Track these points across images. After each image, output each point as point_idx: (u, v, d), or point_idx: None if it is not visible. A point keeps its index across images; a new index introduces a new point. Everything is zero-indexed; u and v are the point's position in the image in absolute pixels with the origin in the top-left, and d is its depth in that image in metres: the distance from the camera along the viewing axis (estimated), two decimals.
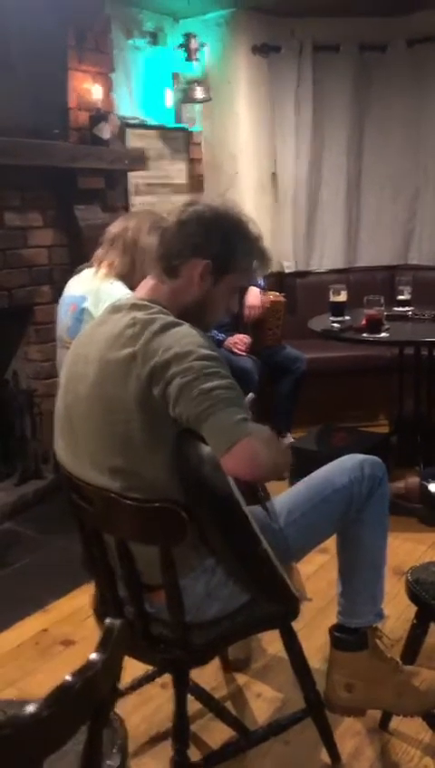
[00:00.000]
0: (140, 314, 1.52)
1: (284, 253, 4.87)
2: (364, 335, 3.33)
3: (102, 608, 1.76)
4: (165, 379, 1.42)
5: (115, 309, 1.60)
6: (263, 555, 1.51)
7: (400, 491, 3.17)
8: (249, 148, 4.64)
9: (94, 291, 2.51)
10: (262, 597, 1.66)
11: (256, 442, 1.38)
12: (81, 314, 2.55)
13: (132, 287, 1.83)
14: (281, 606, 1.69)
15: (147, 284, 1.64)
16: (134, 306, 1.56)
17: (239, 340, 3.89)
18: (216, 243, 1.58)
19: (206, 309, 1.63)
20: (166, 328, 1.47)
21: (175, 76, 4.28)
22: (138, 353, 1.45)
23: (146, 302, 1.57)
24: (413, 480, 3.27)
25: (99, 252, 2.59)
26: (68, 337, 2.59)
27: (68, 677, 0.90)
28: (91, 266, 2.63)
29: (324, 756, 1.88)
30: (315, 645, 2.22)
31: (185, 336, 1.46)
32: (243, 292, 4.02)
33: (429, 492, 3.17)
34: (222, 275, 1.61)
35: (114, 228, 2.58)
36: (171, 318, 1.52)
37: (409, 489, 3.21)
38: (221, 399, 1.38)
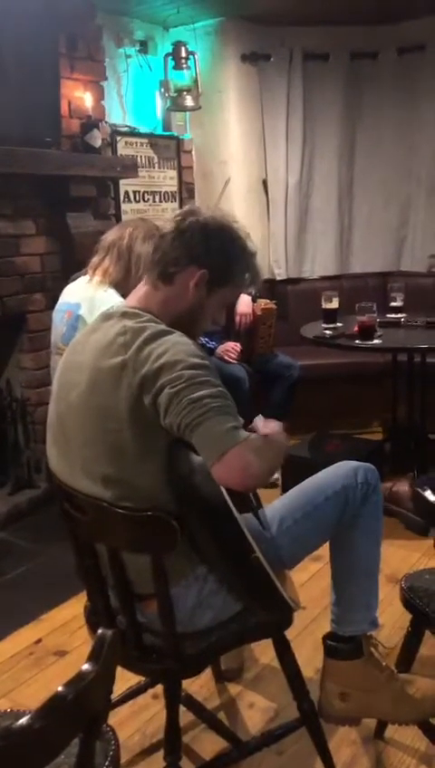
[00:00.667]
0: (130, 323, 1.52)
1: (275, 260, 4.88)
2: (357, 342, 3.34)
3: (95, 618, 1.75)
4: (155, 388, 1.42)
5: (107, 317, 1.59)
6: (256, 564, 1.50)
7: (385, 491, 3.16)
8: (239, 155, 4.66)
9: (89, 298, 2.52)
10: (255, 605, 1.65)
11: (247, 451, 1.37)
12: (76, 321, 2.55)
13: (126, 295, 1.84)
14: (275, 615, 1.68)
15: (139, 291, 1.64)
16: (125, 314, 1.56)
17: (231, 348, 3.89)
18: (215, 254, 1.59)
19: (196, 319, 1.63)
20: (156, 336, 1.47)
21: (165, 84, 4.29)
22: (128, 362, 1.45)
23: (137, 311, 1.57)
24: (401, 485, 3.26)
25: (94, 259, 2.59)
26: (63, 344, 2.59)
27: (60, 688, 0.90)
28: (86, 274, 2.63)
29: (319, 766, 1.86)
30: (309, 654, 2.22)
31: (175, 344, 1.46)
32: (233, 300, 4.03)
33: (425, 500, 3.16)
34: (216, 287, 1.62)
35: (109, 236, 2.58)
36: (162, 326, 1.52)
37: (394, 492, 3.20)
38: (211, 408, 1.38)
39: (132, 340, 1.47)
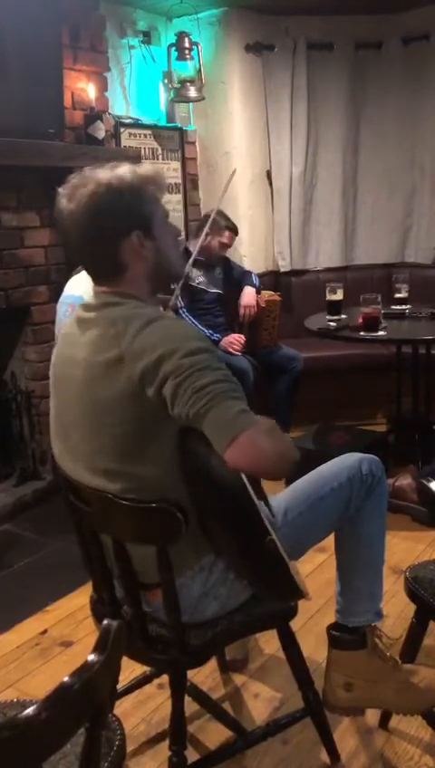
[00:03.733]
0: (118, 311, 1.49)
1: (279, 251, 4.87)
2: (361, 334, 3.33)
3: (100, 609, 1.75)
4: (158, 380, 1.40)
5: (90, 307, 1.56)
6: (270, 547, 1.49)
7: (388, 488, 3.17)
8: (243, 146, 4.64)
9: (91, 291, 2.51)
10: (266, 590, 1.65)
11: (258, 434, 1.35)
12: None
13: None
14: (285, 600, 1.68)
15: (105, 283, 1.58)
16: (108, 303, 1.52)
17: (235, 341, 3.89)
18: (124, 215, 1.52)
19: (164, 261, 1.59)
20: (147, 324, 1.44)
21: (168, 75, 4.27)
22: (125, 354, 1.43)
23: (117, 299, 1.53)
24: (403, 478, 3.26)
25: None
26: None
27: (66, 679, 0.90)
28: None
29: (323, 756, 1.88)
30: (313, 644, 2.23)
31: (168, 329, 1.44)
32: (238, 292, 4.06)
33: (429, 490, 3.17)
34: (151, 228, 1.56)
35: None
36: (149, 310, 1.49)
37: (397, 487, 3.21)
38: (217, 395, 1.36)
39: (124, 330, 1.44)
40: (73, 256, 1.61)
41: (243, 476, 1.43)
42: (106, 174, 1.52)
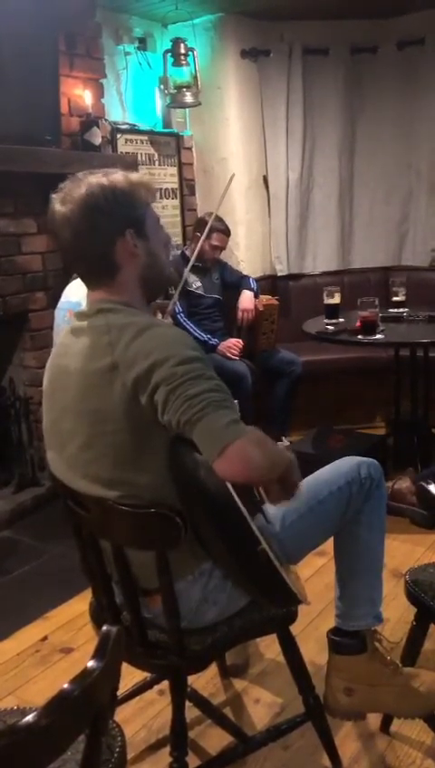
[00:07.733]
0: (112, 318, 1.49)
1: (276, 256, 4.87)
2: (359, 337, 3.33)
3: (100, 615, 1.75)
4: (150, 387, 1.39)
5: (83, 315, 1.56)
6: (263, 556, 1.49)
7: (387, 491, 3.17)
8: (240, 151, 4.65)
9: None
10: (262, 598, 1.65)
11: (248, 444, 1.35)
12: None
13: None
14: (282, 607, 1.68)
15: (99, 289, 1.58)
16: (102, 311, 1.52)
17: (233, 345, 3.89)
18: (118, 214, 1.53)
19: (155, 264, 1.60)
20: (141, 332, 1.44)
21: (164, 81, 4.28)
22: (118, 362, 1.42)
23: (111, 305, 1.53)
24: (402, 481, 3.26)
25: None
26: None
27: (66, 685, 0.90)
28: None
29: (325, 761, 1.87)
30: (314, 649, 2.22)
31: (162, 337, 1.44)
32: (236, 295, 4.07)
33: (428, 493, 3.17)
34: (143, 229, 1.57)
35: None
36: (143, 318, 1.49)
37: (396, 490, 3.21)
38: (209, 403, 1.35)
39: (118, 338, 1.44)
40: (67, 260, 1.62)
41: (229, 487, 1.43)
42: (98, 177, 1.54)
